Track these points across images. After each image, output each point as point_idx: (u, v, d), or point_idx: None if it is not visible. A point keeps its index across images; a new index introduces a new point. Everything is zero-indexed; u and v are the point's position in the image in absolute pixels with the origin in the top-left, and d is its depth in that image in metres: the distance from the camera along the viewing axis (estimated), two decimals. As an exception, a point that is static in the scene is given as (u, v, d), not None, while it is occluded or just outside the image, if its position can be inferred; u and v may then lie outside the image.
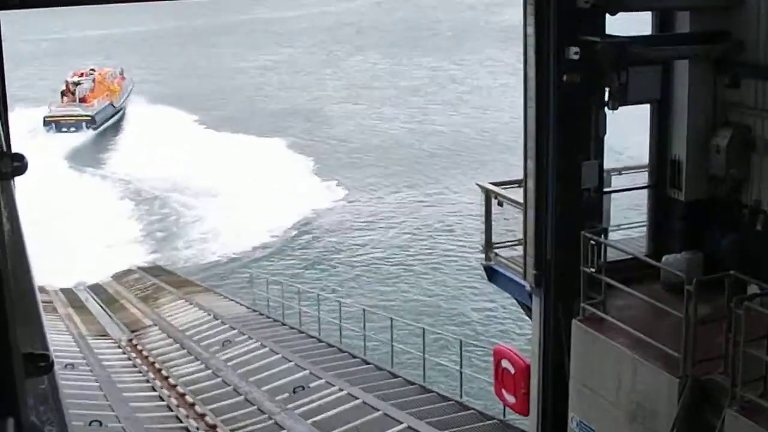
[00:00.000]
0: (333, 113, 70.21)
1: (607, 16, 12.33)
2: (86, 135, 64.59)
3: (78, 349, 24.80)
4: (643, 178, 13.81)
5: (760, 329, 9.30)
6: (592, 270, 11.66)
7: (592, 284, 11.70)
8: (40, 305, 2.63)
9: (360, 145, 60.12)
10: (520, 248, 13.45)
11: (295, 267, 39.60)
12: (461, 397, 19.79)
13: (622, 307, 11.76)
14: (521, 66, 12.81)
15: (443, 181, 50.33)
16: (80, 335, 27.17)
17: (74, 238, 41.22)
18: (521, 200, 13.21)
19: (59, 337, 25.47)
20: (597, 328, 11.53)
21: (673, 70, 12.89)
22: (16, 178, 2.95)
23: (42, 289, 33.88)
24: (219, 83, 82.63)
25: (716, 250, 12.50)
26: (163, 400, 20.32)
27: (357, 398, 18.97)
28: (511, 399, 14.70)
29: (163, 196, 50.88)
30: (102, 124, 66.86)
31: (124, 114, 71.49)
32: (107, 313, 31.04)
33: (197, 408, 19.46)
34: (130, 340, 26.74)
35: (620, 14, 12.28)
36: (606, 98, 12.51)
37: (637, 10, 13.13)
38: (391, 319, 24.06)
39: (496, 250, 14.53)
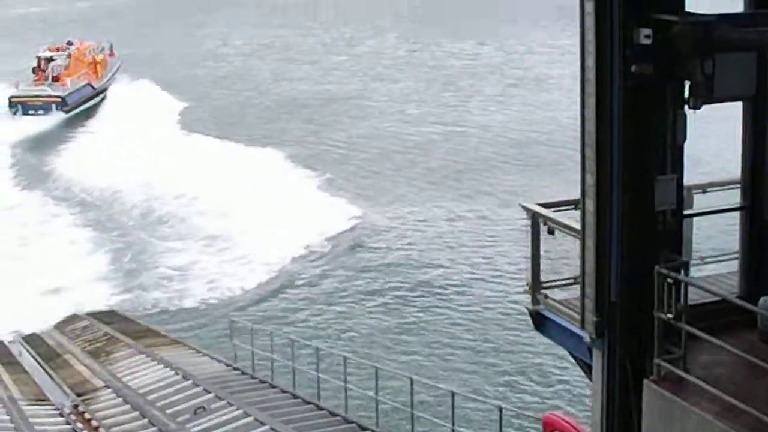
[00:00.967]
0: (341, 110, 70.58)
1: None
2: (54, 119, 68.34)
3: (8, 418, 24.90)
4: (734, 196, 13.85)
5: None
6: (669, 316, 11.69)
7: (669, 334, 11.72)
8: None
9: (376, 153, 60.40)
10: (577, 288, 13.49)
11: (291, 310, 39.72)
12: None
13: (708, 364, 11.77)
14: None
15: (478, 198, 50.49)
16: (11, 399, 27.29)
17: (4, 272, 41.53)
18: (577, 226, 13.26)
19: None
20: (676, 391, 11.53)
21: (772, 58, 12.96)
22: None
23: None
24: (205, 72, 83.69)
25: (830, 290, 12.51)
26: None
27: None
28: (566, 482, 14.71)
29: (129, 214, 51.32)
30: (76, 107, 70.67)
31: (105, 96, 75.40)
32: (46, 372, 31.16)
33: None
34: (76, 406, 26.84)
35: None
36: (686, 94, 12.50)
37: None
38: (411, 380, 24.08)
39: (546, 291, 14.57)
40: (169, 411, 25.01)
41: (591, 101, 12.68)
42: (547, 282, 14.68)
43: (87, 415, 25.80)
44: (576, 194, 13.49)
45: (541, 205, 14.77)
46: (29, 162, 60.74)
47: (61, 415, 26.30)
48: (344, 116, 69.37)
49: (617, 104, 12.43)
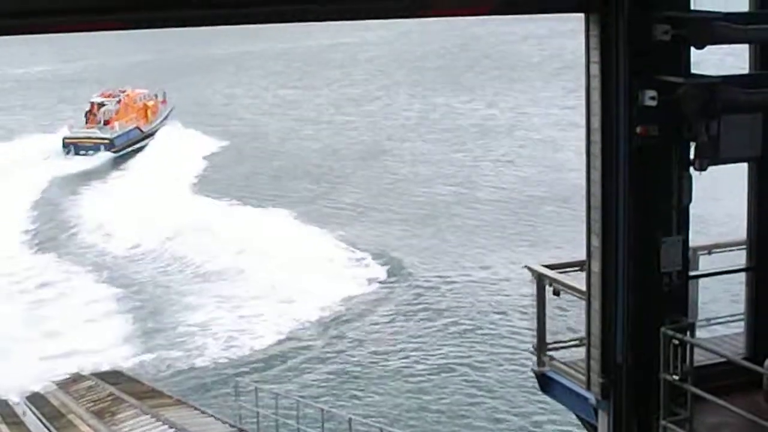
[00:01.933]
0: (348, 170, 70.98)
1: (693, 50, 12.50)
2: (101, 159, 75.25)
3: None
4: (740, 258, 13.91)
5: None
6: (676, 377, 11.74)
7: (675, 396, 11.76)
8: None
9: (394, 211, 60.74)
10: (582, 350, 13.54)
11: (298, 370, 39.70)
12: None
13: (715, 426, 11.81)
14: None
15: (486, 258, 50.60)
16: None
17: (8, 326, 41.67)
18: (583, 288, 13.33)
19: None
20: (682, 453, 11.57)
21: (777, 119, 13.07)
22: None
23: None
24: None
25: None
26: None
27: None
28: None
29: (141, 267, 51.84)
30: (123, 148, 77.43)
31: (152, 139, 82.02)
32: (50, 432, 31.14)
33: None
34: (80, 467, 26.81)
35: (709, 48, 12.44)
36: (692, 156, 12.62)
37: (731, 42, 13.20)
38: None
39: (551, 353, 14.61)
40: (173, 472, 24.98)
41: (597, 163, 12.81)
42: (553, 343, 14.74)
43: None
44: (581, 256, 13.57)
45: (546, 266, 14.85)
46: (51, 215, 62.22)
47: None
48: (353, 176, 69.72)
49: (623, 166, 12.55)
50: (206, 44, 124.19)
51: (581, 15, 12.75)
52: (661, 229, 12.65)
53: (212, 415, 31.06)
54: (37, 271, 51.97)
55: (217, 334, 43.40)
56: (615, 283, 12.77)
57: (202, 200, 65.01)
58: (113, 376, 37.93)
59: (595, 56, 12.64)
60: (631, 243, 12.63)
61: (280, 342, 42.56)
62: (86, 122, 79.84)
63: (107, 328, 44.74)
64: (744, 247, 13.80)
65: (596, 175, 12.82)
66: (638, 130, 12.31)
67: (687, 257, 12.90)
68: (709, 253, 14.70)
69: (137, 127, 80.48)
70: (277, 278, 48.19)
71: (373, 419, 31.46)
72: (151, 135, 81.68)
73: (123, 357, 41.70)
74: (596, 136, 12.79)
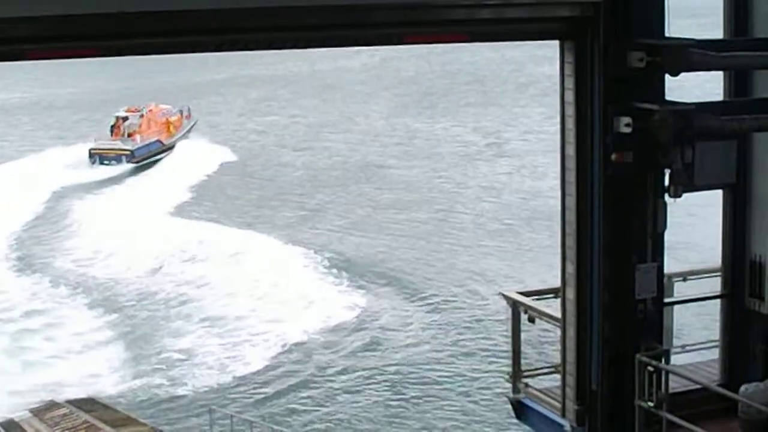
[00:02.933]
0: (329, 200, 71.13)
1: (667, 77, 12.59)
2: (122, 168, 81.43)
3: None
4: (714, 284, 13.99)
5: None
6: (651, 404, 11.80)
7: (650, 423, 11.81)
8: None
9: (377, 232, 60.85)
10: (558, 377, 13.59)
11: (276, 396, 39.63)
12: None
13: (690, 453, 11.84)
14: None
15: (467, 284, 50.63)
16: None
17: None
18: (558, 315, 13.39)
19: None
20: (657, 481, 11.62)
21: (751, 146, 13.17)
22: None
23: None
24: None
25: (811, 377, 12.59)
26: None
27: None
28: None
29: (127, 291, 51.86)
30: (143, 159, 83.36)
31: (171, 152, 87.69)
32: (24, 460, 31.01)
33: None
34: (54, 496, 26.70)
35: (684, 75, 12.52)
36: (666, 183, 12.68)
37: (706, 70, 13.24)
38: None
39: (527, 380, 14.66)
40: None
41: (571, 189, 12.88)
42: (528, 370, 14.79)
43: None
44: (555, 283, 13.64)
45: (521, 293, 14.90)
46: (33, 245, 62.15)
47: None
48: (335, 203, 69.74)
49: (597, 192, 12.63)
50: (187, 70, 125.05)
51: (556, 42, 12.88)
52: (636, 255, 12.73)
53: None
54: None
55: (199, 359, 43.26)
56: (590, 309, 12.84)
57: (181, 222, 65.03)
58: (88, 404, 37.77)
59: (570, 83, 12.74)
60: (605, 270, 12.69)
61: (265, 368, 42.43)
62: (111, 135, 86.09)
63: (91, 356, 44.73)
64: (719, 274, 13.88)
65: (571, 201, 12.89)
66: (613, 156, 12.38)
67: (662, 284, 12.96)
68: (684, 279, 14.77)
69: (158, 140, 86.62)
70: (257, 304, 48.12)
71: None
72: (171, 148, 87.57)
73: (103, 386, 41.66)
74: (571, 163, 12.87)
